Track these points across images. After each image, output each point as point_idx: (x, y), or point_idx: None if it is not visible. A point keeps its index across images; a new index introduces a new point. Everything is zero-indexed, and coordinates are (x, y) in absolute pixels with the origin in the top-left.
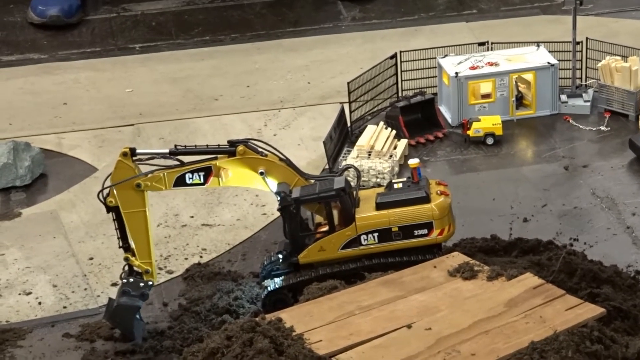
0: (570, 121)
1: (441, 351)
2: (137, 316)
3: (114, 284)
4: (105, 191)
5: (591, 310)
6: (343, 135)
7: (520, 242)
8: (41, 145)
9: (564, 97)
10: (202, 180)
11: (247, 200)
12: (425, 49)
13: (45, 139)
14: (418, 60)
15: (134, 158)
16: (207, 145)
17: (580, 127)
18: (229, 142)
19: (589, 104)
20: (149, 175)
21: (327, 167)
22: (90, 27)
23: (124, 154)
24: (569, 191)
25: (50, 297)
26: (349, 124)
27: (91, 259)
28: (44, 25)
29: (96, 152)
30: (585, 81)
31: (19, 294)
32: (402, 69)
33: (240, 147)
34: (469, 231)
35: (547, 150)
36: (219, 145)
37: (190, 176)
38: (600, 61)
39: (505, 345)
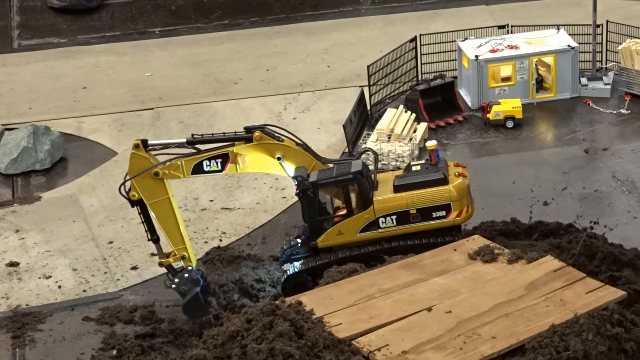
0: (591, 104)
1: (461, 334)
2: (205, 293)
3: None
4: (127, 186)
5: (612, 293)
6: (363, 119)
7: (540, 225)
8: (61, 129)
9: (584, 80)
10: (219, 167)
11: (266, 184)
12: (445, 32)
13: (65, 122)
14: (438, 43)
15: (148, 149)
16: (223, 133)
17: (601, 110)
18: (245, 128)
19: (609, 87)
20: (167, 164)
21: (347, 150)
22: (110, 11)
23: (136, 146)
24: (589, 174)
25: (70, 280)
26: (368, 108)
27: (111, 242)
28: (64, 9)
29: (116, 136)
30: (606, 64)
31: (39, 278)
32: (422, 52)
33: (257, 133)
34: (489, 214)
35: (567, 133)
36: (235, 132)
37: (208, 163)
38: (620, 44)
39: (525, 328)
